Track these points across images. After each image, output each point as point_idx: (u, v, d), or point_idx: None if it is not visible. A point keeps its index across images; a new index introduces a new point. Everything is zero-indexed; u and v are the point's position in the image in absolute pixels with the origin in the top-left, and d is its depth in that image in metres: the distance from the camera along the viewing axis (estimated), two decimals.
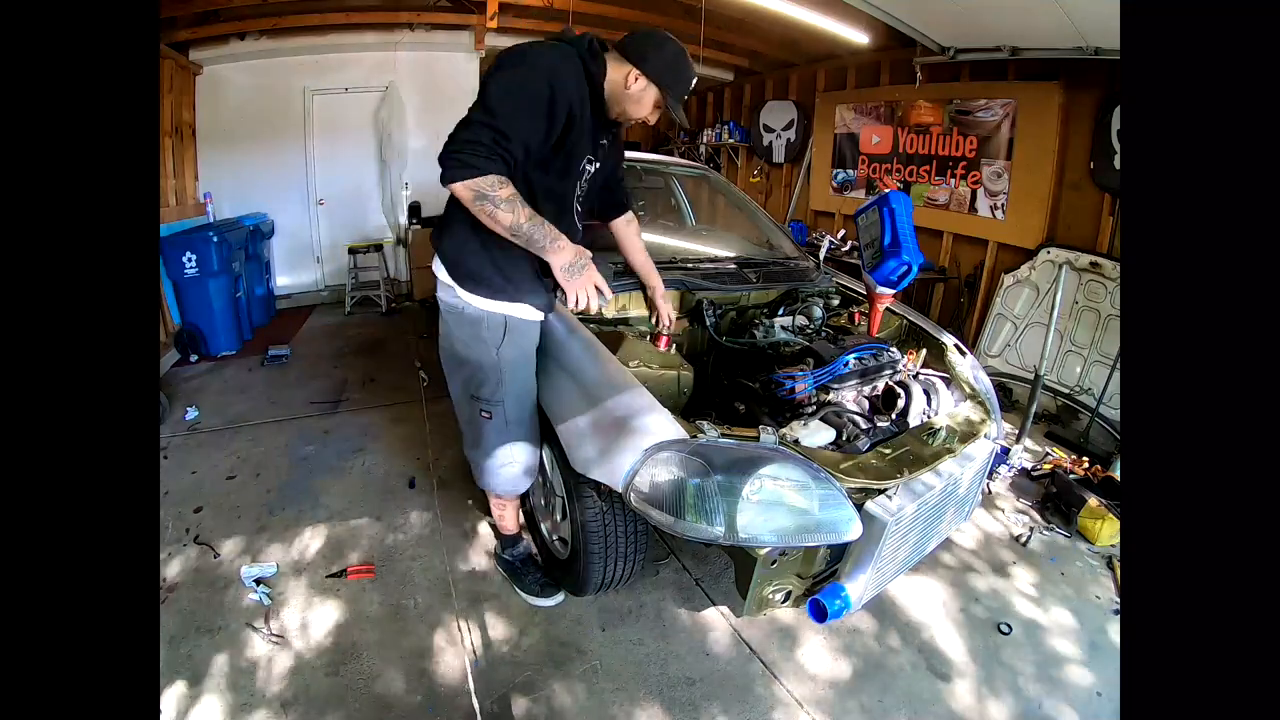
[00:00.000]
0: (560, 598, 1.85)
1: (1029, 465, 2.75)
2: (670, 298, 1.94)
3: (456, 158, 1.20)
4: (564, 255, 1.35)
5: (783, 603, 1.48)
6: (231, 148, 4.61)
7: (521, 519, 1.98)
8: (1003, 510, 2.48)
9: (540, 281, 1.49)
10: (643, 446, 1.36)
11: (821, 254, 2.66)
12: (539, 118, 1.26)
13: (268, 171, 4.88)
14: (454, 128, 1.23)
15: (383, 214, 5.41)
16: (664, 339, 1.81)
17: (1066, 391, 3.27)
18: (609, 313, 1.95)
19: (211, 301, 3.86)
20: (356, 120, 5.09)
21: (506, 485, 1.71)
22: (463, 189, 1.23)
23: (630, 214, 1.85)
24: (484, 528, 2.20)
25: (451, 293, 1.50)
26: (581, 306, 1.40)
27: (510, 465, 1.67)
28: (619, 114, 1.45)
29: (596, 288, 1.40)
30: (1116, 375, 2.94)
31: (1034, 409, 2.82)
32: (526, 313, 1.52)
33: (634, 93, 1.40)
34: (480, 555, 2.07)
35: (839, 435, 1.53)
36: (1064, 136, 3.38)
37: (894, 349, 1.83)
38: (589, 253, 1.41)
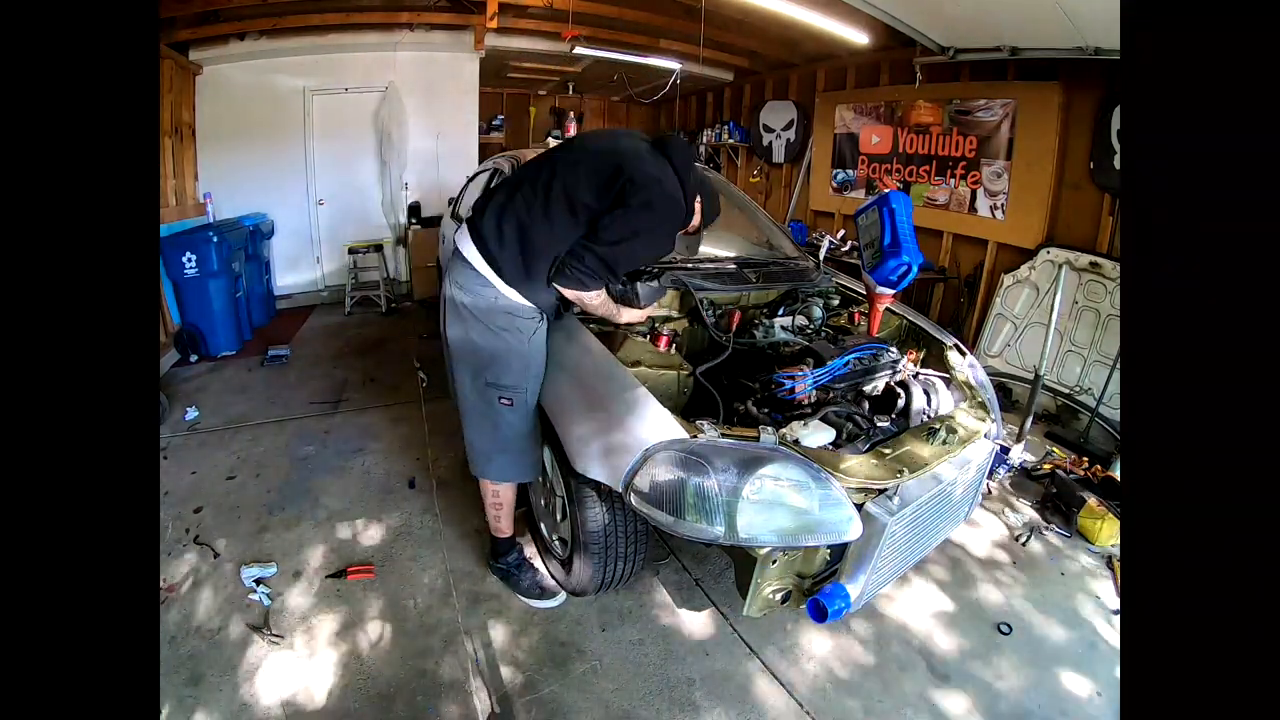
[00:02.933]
0: (560, 599, 1.85)
1: (1029, 465, 2.75)
2: (670, 297, 1.95)
3: (582, 282, 1.56)
4: (623, 319, 1.80)
5: (783, 603, 1.48)
6: (231, 148, 4.60)
7: (515, 519, 1.98)
8: (1003, 510, 2.48)
9: (562, 310, 1.74)
10: (643, 446, 1.36)
11: (821, 254, 2.66)
12: (637, 264, 1.70)
13: (268, 171, 4.88)
14: (588, 257, 1.53)
15: (383, 214, 5.41)
16: (664, 339, 1.81)
17: (1066, 391, 3.27)
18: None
19: (211, 301, 3.85)
20: (356, 120, 5.09)
21: (520, 473, 1.78)
22: (570, 294, 1.61)
23: None
24: (484, 528, 2.20)
25: (485, 282, 1.59)
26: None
27: (526, 452, 1.75)
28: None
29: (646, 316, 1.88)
30: (1116, 375, 2.94)
31: (1034, 409, 2.82)
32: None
33: (695, 215, 1.72)
34: (480, 555, 2.07)
35: (839, 435, 1.53)
36: (1064, 136, 3.38)
37: (894, 349, 1.83)
38: (634, 312, 1.83)
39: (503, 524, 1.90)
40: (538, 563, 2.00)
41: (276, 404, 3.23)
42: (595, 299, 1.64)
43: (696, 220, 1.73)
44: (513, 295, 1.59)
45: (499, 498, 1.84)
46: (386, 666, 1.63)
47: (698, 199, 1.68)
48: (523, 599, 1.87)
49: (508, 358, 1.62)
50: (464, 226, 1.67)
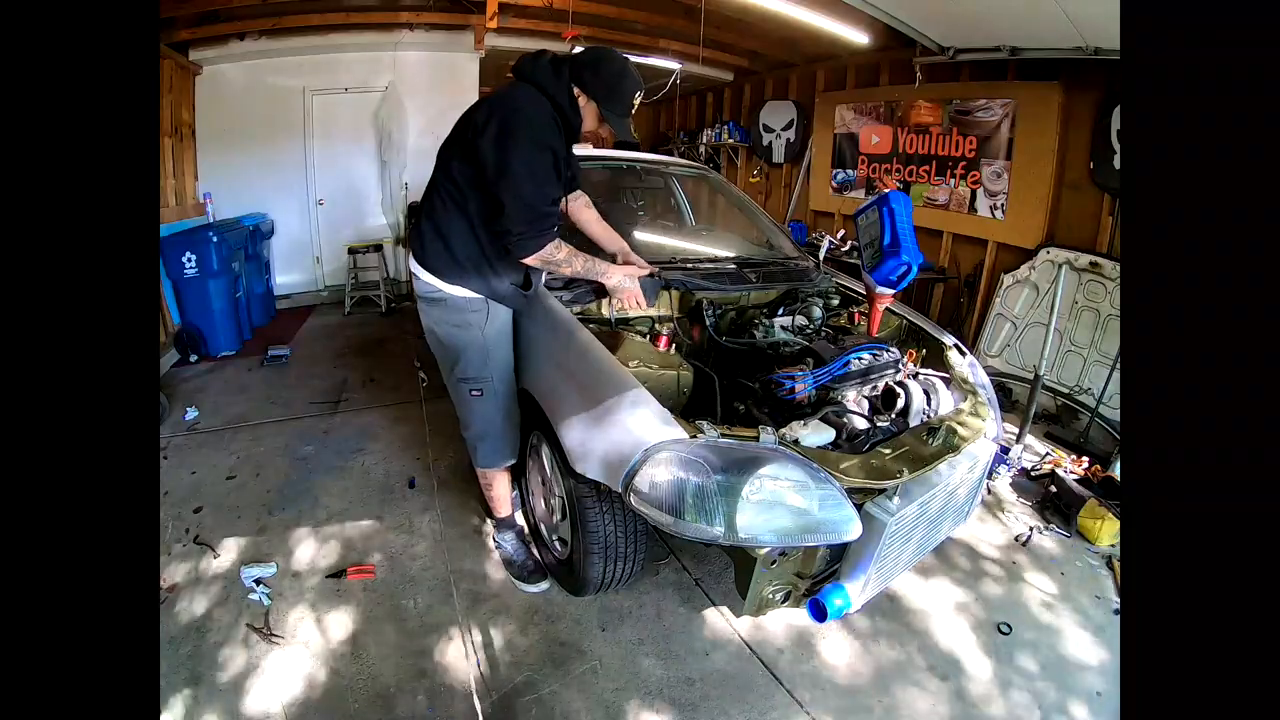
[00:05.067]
0: (545, 584, 1.91)
1: (1029, 465, 2.75)
2: (672, 298, 1.95)
3: (522, 241, 1.51)
4: (612, 278, 1.73)
5: (783, 603, 1.48)
6: (231, 148, 4.60)
7: (514, 500, 2.08)
8: (1003, 510, 2.48)
9: (517, 293, 1.72)
10: (642, 447, 1.36)
11: (821, 254, 2.66)
12: (555, 182, 1.55)
13: (268, 171, 4.88)
14: (506, 211, 1.48)
15: (382, 214, 5.41)
16: (664, 339, 1.81)
17: (1066, 391, 3.27)
18: (609, 313, 1.95)
19: (211, 301, 3.85)
20: (356, 120, 5.08)
21: (500, 458, 1.85)
22: (534, 260, 1.57)
23: (580, 193, 1.94)
24: (484, 527, 2.20)
25: (432, 287, 1.67)
26: (629, 313, 1.85)
27: (502, 437, 1.82)
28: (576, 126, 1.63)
29: (637, 301, 1.76)
30: (1116, 375, 2.94)
31: (1034, 409, 2.82)
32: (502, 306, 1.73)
33: (581, 108, 1.59)
34: (481, 555, 2.07)
35: (839, 435, 1.53)
36: (1064, 136, 3.38)
37: (894, 349, 1.83)
38: (631, 269, 1.77)
39: (497, 505, 2.00)
40: (533, 548, 2.04)
41: (276, 404, 3.22)
42: (559, 254, 1.59)
43: (590, 117, 1.61)
44: (453, 289, 1.64)
45: (488, 479, 1.93)
46: (386, 666, 1.63)
47: (580, 95, 1.56)
48: (511, 578, 1.93)
49: (468, 351, 1.70)
50: (411, 230, 1.75)
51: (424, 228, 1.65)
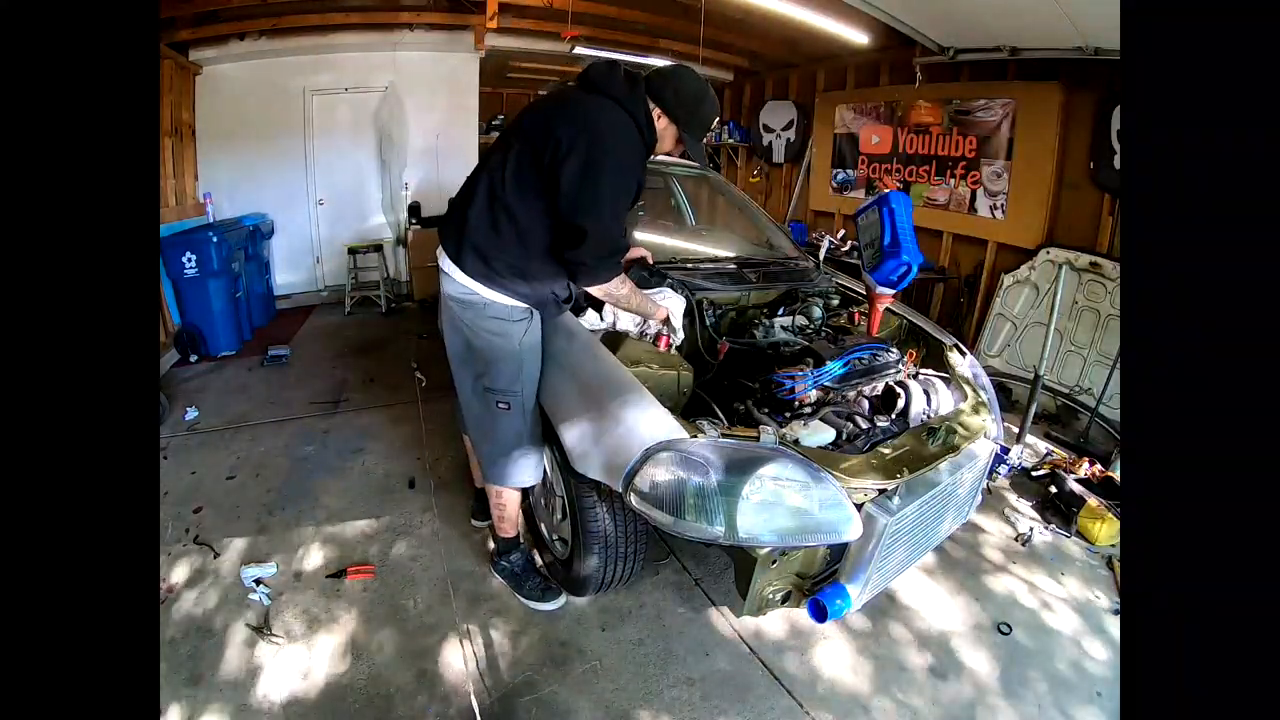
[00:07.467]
0: (562, 601, 1.85)
1: (1029, 465, 2.75)
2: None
3: (594, 272, 1.49)
4: (659, 317, 1.76)
5: (783, 603, 1.48)
6: (231, 148, 4.60)
7: (520, 521, 1.95)
8: (1003, 510, 2.48)
9: (559, 305, 1.66)
10: (643, 446, 1.36)
11: (821, 254, 2.66)
12: (628, 211, 1.56)
13: (268, 171, 4.88)
14: (586, 242, 1.41)
15: (383, 214, 5.41)
16: (664, 339, 1.81)
17: (1066, 391, 3.27)
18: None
19: (211, 301, 3.85)
20: (356, 120, 5.08)
21: (523, 476, 1.71)
22: (599, 291, 1.58)
23: None
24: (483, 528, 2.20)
25: (468, 289, 1.53)
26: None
27: (527, 455, 1.69)
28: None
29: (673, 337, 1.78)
30: (1116, 375, 2.94)
31: (1034, 409, 2.81)
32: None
33: (659, 130, 1.52)
34: (480, 555, 2.07)
35: (839, 435, 1.53)
36: (1064, 136, 3.38)
37: (894, 349, 1.83)
38: (673, 306, 1.82)
39: (508, 525, 1.87)
40: (541, 565, 1.99)
41: (276, 404, 3.22)
42: (622, 289, 1.56)
43: (669, 140, 1.55)
44: (494, 295, 1.52)
45: (501, 498, 1.81)
46: (386, 666, 1.63)
47: (660, 116, 1.49)
48: (524, 600, 1.86)
49: (501, 362, 1.58)
50: (445, 226, 1.59)
51: (471, 225, 1.49)
